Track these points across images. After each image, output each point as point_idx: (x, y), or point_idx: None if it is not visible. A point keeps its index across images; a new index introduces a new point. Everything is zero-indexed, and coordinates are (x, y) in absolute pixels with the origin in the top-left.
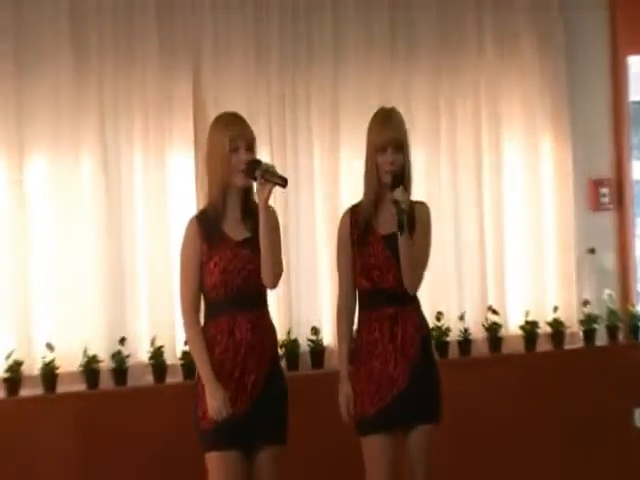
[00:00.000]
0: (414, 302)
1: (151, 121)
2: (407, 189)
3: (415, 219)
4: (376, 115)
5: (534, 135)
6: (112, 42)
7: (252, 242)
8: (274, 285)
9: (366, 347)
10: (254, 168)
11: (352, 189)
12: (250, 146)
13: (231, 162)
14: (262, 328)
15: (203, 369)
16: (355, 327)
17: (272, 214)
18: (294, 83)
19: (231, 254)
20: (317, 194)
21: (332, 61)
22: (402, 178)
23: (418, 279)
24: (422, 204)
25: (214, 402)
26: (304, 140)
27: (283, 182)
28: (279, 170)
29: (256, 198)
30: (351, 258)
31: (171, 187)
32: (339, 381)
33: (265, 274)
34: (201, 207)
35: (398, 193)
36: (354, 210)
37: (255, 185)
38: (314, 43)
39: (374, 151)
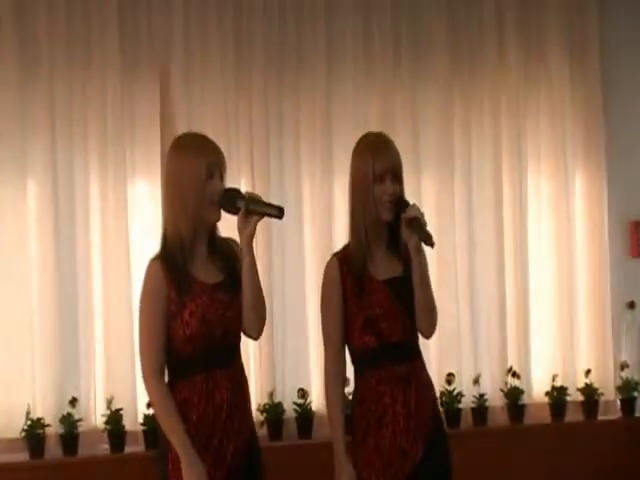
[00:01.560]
0: (420, 357)
1: (110, 141)
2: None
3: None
4: (366, 140)
5: (563, 167)
6: (64, 44)
7: (227, 285)
8: (259, 334)
9: (374, 416)
10: (233, 198)
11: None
12: (223, 174)
13: (206, 192)
14: (242, 386)
15: (179, 440)
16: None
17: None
18: (280, 100)
19: (208, 300)
20: (306, 232)
21: (325, 73)
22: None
23: (436, 317)
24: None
25: (193, 479)
26: (291, 167)
27: (278, 212)
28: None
29: (221, 233)
30: (341, 318)
31: (133, 218)
32: (336, 459)
33: (251, 324)
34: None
35: (413, 210)
36: (342, 257)
37: (237, 219)
38: (304, 51)
39: (370, 181)
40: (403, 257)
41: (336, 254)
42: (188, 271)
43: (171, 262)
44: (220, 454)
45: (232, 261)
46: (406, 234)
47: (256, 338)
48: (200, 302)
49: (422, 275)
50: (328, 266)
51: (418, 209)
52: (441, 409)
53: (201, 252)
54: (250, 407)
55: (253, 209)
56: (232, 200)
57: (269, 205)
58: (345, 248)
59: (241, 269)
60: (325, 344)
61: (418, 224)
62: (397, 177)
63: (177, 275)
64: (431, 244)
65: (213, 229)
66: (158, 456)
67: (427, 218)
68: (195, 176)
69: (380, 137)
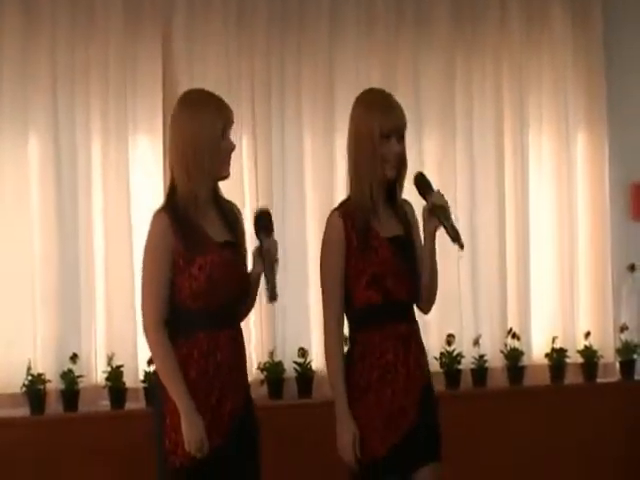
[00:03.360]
0: (416, 319)
1: (112, 96)
2: (402, 184)
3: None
4: (370, 97)
5: (565, 129)
6: (67, 3)
7: (234, 246)
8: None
9: (376, 373)
10: (264, 229)
11: None
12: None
13: (221, 150)
14: (241, 348)
15: (179, 393)
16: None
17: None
18: (282, 57)
19: (217, 258)
20: (308, 190)
21: (327, 34)
22: (422, 180)
23: (436, 296)
24: (407, 202)
25: (194, 435)
26: (293, 127)
27: (270, 292)
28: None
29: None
30: (343, 274)
31: (135, 175)
32: (338, 417)
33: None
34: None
35: (438, 197)
36: (345, 211)
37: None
38: (307, 13)
39: (377, 139)
40: (401, 218)
41: (337, 209)
42: (197, 225)
43: (181, 216)
44: (218, 412)
45: (235, 223)
46: (425, 218)
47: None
48: (210, 259)
49: (432, 261)
50: (331, 223)
51: (443, 197)
52: (441, 370)
53: (209, 209)
54: (246, 367)
55: (264, 257)
56: (261, 228)
57: (269, 279)
58: (345, 203)
59: (242, 233)
60: (326, 301)
61: (445, 216)
62: (402, 136)
63: (187, 229)
64: (461, 245)
65: (216, 187)
66: (155, 411)
67: (429, 179)
68: (212, 134)
69: (387, 95)
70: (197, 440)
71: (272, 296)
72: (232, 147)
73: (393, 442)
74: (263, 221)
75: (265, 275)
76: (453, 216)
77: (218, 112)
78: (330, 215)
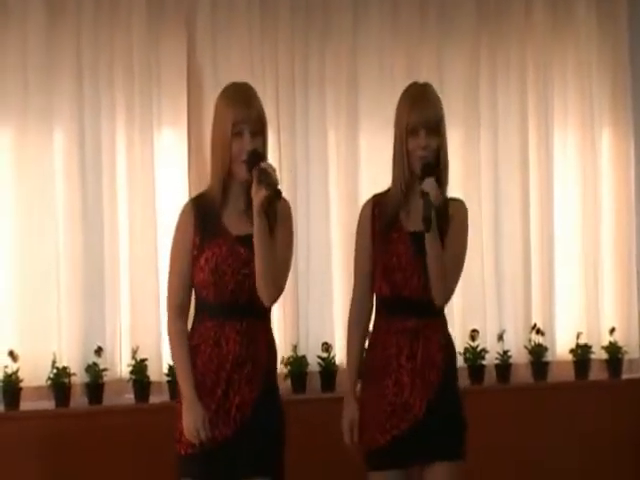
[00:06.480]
0: (440, 316)
1: (137, 89)
2: (441, 181)
3: (449, 218)
4: (407, 91)
5: (590, 122)
6: None
7: (251, 241)
8: (271, 302)
9: (379, 364)
10: (253, 163)
11: (373, 181)
12: (258, 131)
13: (232, 149)
14: (256, 342)
15: (183, 381)
16: (368, 339)
17: (284, 208)
18: (306, 51)
19: (227, 251)
20: (331, 187)
21: (351, 24)
22: (435, 167)
23: (449, 290)
24: (458, 201)
25: (190, 422)
26: (317, 120)
27: (273, 192)
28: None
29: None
30: (370, 256)
31: (160, 169)
32: (344, 398)
33: (260, 289)
34: (197, 191)
35: (428, 184)
36: (378, 200)
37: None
38: (330, 3)
39: (404, 133)
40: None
41: (374, 196)
42: (217, 218)
43: (202, 206)
44: (225, 404)
45: (269, 219)
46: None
47: (268, 305)
48: (218, 251)
49: (430, 247)
50: (363, 206)
51: (433, 185)
52: (464, 365)
53: (236, 205)
54: (266, 366)
55: (261, 179)
56: (252, 164)
57: (269, 181)
58: (383, 192)
59: (280, 224)
60: (353, 283)
61: (426, 200)
62: (434, 131)
63: (204, 220)
64: (426, 229)
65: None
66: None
67: (453, 173)
68: (222, 131)
69: (421, 88)
70: (192, 427)
71: (275, 190)
72: (243, 149)
73: (395, 433)
74: (252, 158)
75: (261, 180)
76: (435, 205)
77: (228, 108)
78: (368, 198)
